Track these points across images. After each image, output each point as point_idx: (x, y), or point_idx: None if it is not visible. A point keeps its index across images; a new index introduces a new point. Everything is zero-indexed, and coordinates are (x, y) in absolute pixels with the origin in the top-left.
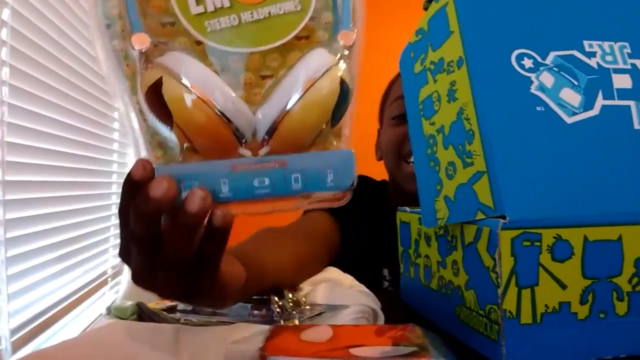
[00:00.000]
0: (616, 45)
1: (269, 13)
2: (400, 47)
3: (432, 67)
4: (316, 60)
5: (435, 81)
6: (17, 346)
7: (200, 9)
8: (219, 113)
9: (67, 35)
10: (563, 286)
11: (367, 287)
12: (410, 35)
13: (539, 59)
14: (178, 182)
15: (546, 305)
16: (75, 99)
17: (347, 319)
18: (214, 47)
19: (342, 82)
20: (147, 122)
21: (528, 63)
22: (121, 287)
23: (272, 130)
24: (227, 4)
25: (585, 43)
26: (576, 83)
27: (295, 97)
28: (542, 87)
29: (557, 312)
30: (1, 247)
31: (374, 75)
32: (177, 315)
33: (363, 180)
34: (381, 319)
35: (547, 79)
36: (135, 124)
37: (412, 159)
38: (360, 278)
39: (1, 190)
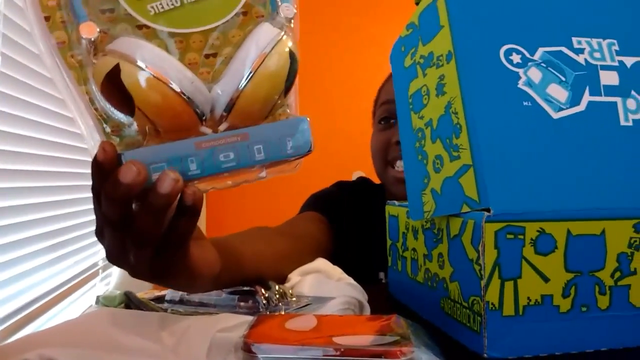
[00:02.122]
0: (604, 42)
1: None
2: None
3: (422, 61)
4: (264, 34)
5: (424, 75)
6: (5, 335)
7: None
8: (180, 93)
9: None
10: (545, 279)
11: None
12: (398, 32)
13: (527, 55)
14: (147, 165)
15: (528, 298)
16: None
17: (333, 310)
18: (159, 30)
19: (291, 53)
20: (98, 112)
21: (516, 58)
22: (112, 279)
23: (230, 107)
24: None
25: (574, 39)
26: (563, 79)
27: (249, 73)
28: (529, 83)
29: (539, 304)
30: None
31: (370, 73)
32: (165, 305)
33: (362, 182)
34: (367, 311)
35: (535, 74)
36: (86, 115)
37: (397, 164)
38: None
39: None
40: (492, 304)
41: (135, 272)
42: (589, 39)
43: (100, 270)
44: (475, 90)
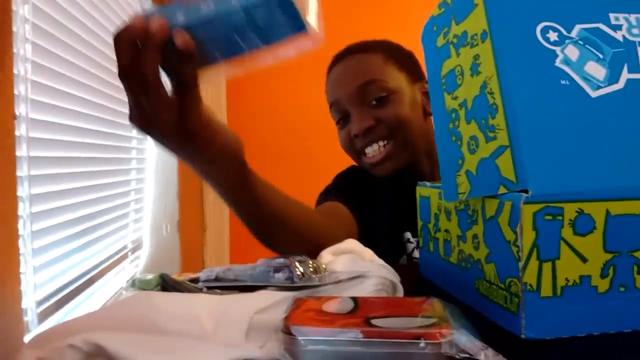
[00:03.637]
0: None
1: None
2: (419, 25)
3: (455, 40)
4: None
5: (458, 55)
6: (42, 317)
7: None
8: None
9: (85, 26)
10: (584, 260)
11: (392, 253)
12: (429, 12)
13: (564, 32)
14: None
15: (567, 279)
16: (95, 75)
17: (367, 290)
18: None
19: None
20: None
21: (553, 36)
22: (141, 261)
23: None
24: None
25: (611, 16)
26: (601, 56)
27: None
28: (567, 61)
29: (578, 285)
30: (27, 221)
31: None
32: (200, 285)
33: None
34: (400, 292)
35: (572, 52)
36: None
37: (367, 151)
38: (382, 245)
39: (26, 166)
40: (530, 285)
41: (161, 134)
42: (626, 15)
43: (129, 253)
44: (512, 70)
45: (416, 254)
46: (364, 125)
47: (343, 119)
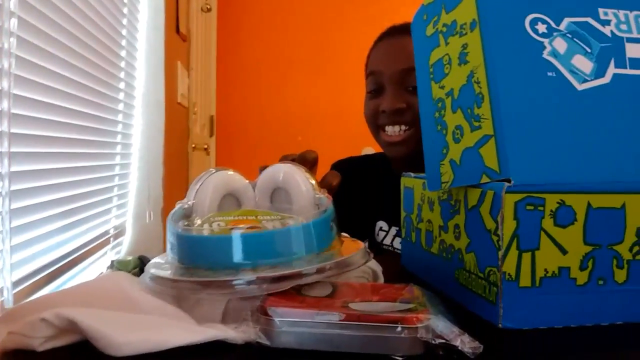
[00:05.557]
0: (631, 14)
1: None
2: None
3: (444, 29)
4: None
5: (447, 44)
6: (18, 298)
7: None
8: None
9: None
10: (564, 251)
11: (362, 239)
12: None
13: (553, 25)
14: None
15: (546, 270)
16: (82, 56)
17: (348, 278)
18: None
19: None
20: None
21: (542, 28)
22: (123, 247)
23: None
24: None
25: (600, 11)
26: (589, 50)
27: None
28: (554, 53)
29: (557, 276)
30: (5, 199)
31: None
32: None
33: (346, 163)
34: (381, 281)
35: (560, 44)
36: None
37: (387, 129)
38: (355, 231)
39: (7, 143)
40: (509, 274)
41: None
42: (615, 11)
43: (111, 239)
44: (499, 60)
45: (387, 241)
46: (395, 105)
47: (376, 91)
